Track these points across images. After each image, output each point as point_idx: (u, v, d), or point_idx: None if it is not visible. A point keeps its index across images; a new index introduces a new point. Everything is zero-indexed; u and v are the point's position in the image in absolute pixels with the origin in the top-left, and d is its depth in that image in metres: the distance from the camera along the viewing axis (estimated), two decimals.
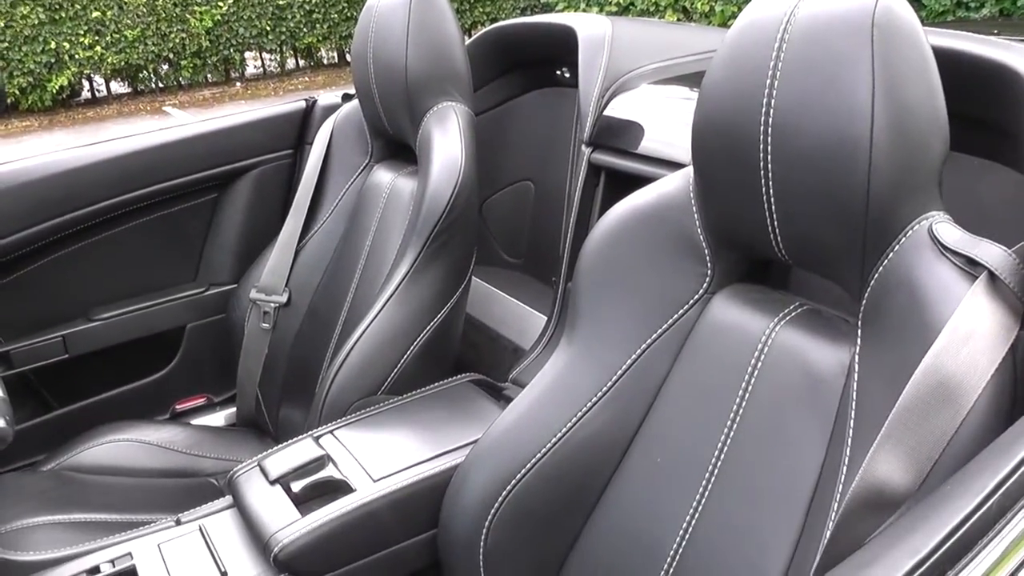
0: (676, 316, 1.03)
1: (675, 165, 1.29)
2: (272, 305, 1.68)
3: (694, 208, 1.01)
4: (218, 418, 1.91)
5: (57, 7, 7.36)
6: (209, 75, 8.42)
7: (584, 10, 9.40)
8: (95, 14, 7.51)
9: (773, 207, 0.87)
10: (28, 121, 7.48)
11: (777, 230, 0.89)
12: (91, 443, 1.63)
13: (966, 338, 0.72)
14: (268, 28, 8.42)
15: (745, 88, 0.86)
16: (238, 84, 8.67)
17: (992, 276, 0.75)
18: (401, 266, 1.39)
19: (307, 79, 8.82)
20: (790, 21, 0.83)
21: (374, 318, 1.37)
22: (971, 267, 0.76)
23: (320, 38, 8.80)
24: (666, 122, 1.41)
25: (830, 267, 0.88)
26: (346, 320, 1.59)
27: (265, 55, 8.87)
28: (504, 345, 1.68)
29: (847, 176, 0.80)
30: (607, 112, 1.47)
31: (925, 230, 0.80)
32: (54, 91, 7.52)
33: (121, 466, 1.64)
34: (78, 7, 7.44)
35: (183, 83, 8.33)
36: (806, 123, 0.82)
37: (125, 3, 7.63)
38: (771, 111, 0.84)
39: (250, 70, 8.98)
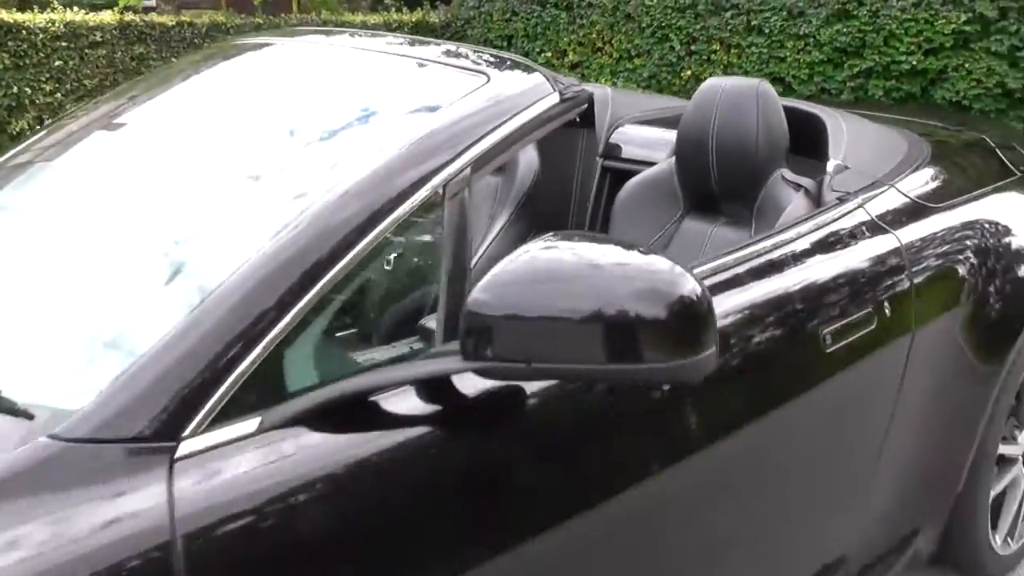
0: (665, 228, 2.21)
1: (649, 164, 2.48)
2: None
3: (674, 177, 2.20)
4: None
5: (22, 54, 8.21)
6: None
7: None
8: (57, 63, 8.40)
9: (715, 172, 2.07)
10: None
11: (716, 183, 2.09)
12: None
13: (793, 214, 1.92)
14: None
15: (703, 119, 2.07)
16: None
17: (807, 191, 1.96)
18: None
19: None
20: (722, 90, 2.05)
21: None
22: (797, 188, 1.97)
23: None
24: (643, 142, 2.62)
25: (741, 196, 2.09)
26: None
27: None
28: None
29: (746, 158, 2.01)
30: (611, 139, 2.67)
31: (779, 175, 2.01)
32: (12, 134, 8.32)
33: None
34: (41, 55, 8.32)
35: None
36: (728, 135, 2.03)
37: (86, 54, 8.55)
38: (715, 129, 2.04)
39: None
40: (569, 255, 1.04)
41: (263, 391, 1.03)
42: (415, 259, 1.28)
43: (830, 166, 2.01)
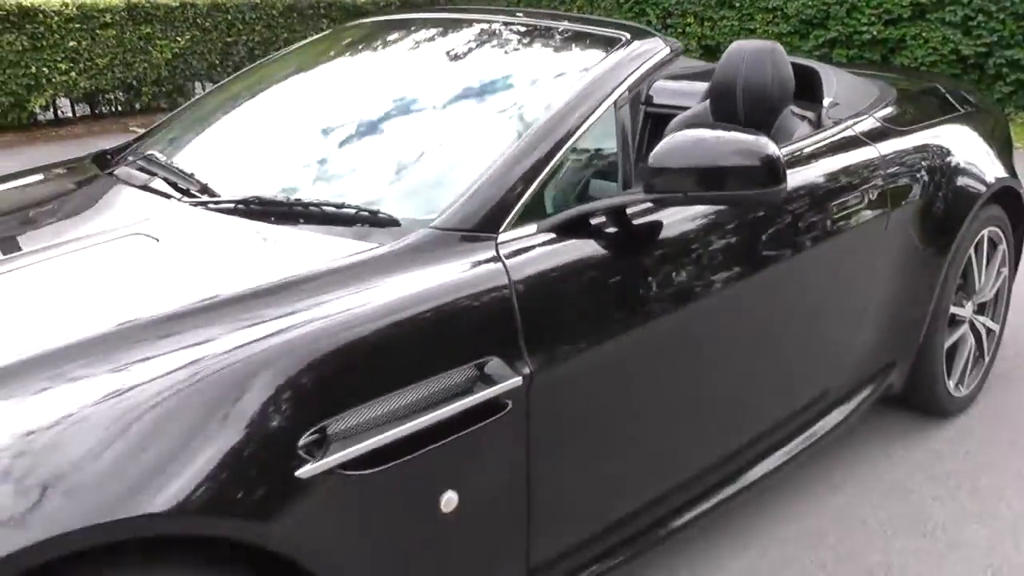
0: None
1: (682, 108, 3.29)
2: None
3: (708, 115, 3.03)
4: None
5: (39, 36, 8.83)
6: (162, 101, 10.03)
7: None
8: (71, 43, 9.03)
9: (742, 109, 2.90)
10: (7, 137, 8.86)
11: (742, 117, 2.92)
12: None
13: (801, 135, 2.75)
14: (217, 62, 10.15)
15: (733, 70, 2.89)
16: None
17: (810, 120, 2.79)
18: None
19: None
20: (745, 50, 2.88)
21: None
22: (802, 119, 2.81)
23: None
24: (675, 93, 3.44)
25: (761, 126, 2.91)
26: None
27: (210, 85, 10.53)
28: None
29: (764, 98, 2.84)
30: (650, 92, 3.49)
31: (789, 110, 2.85)
32: (32, 111, 8.95)
33: None
34: (56, 37, 8.94)
35: (139, 107, 9.89)
36: (751, 81, 2.86)
37: (97, 35, 9.19)
38: (741, 78, 2.87)
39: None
40: (681, 138, 1.86)
41: (535, 211, 1.84)
42: (603, 139, 2.09)
43: (825, 102, 2.85)
